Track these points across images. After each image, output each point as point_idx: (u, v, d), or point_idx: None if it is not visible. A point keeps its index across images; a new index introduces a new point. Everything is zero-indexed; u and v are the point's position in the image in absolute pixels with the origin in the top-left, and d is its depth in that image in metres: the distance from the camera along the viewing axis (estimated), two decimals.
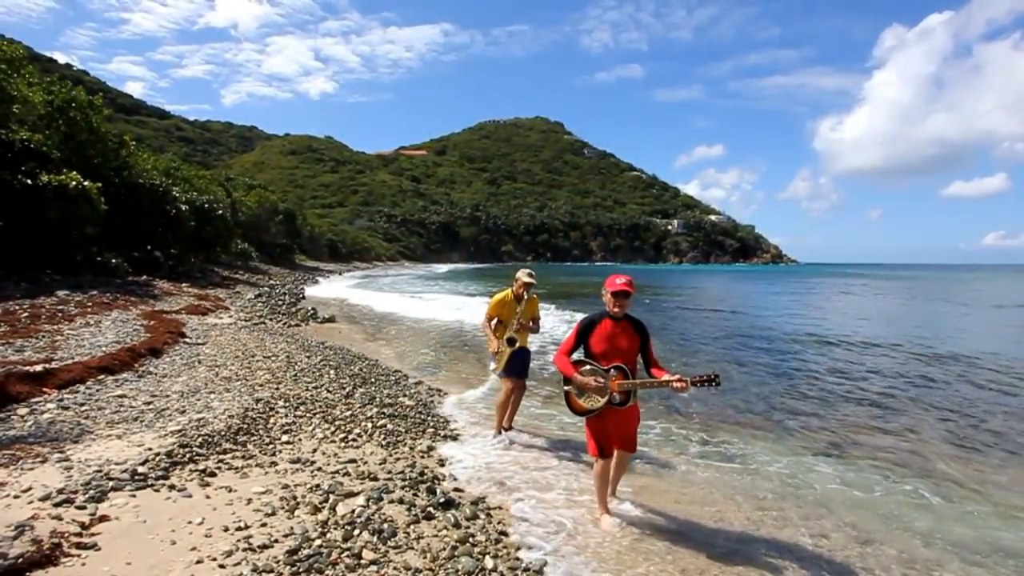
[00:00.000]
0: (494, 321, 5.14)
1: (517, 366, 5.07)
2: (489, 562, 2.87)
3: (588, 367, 3.34)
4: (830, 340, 12.91)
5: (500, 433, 5.11)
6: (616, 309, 3.30)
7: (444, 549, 2.94)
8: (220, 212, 25.63)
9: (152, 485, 3.45)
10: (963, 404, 7.10)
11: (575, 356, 3.45)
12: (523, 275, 5.06)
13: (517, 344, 5.00)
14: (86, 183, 14.13)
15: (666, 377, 3.21)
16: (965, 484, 4.52)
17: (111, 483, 3.38)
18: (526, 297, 5.04)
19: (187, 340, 8.96)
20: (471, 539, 3.09)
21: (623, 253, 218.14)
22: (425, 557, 2.87)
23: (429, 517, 3.33)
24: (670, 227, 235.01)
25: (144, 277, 17.07)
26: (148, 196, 18.83)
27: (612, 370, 3.30)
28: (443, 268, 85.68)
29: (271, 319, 13.37)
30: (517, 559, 2.94)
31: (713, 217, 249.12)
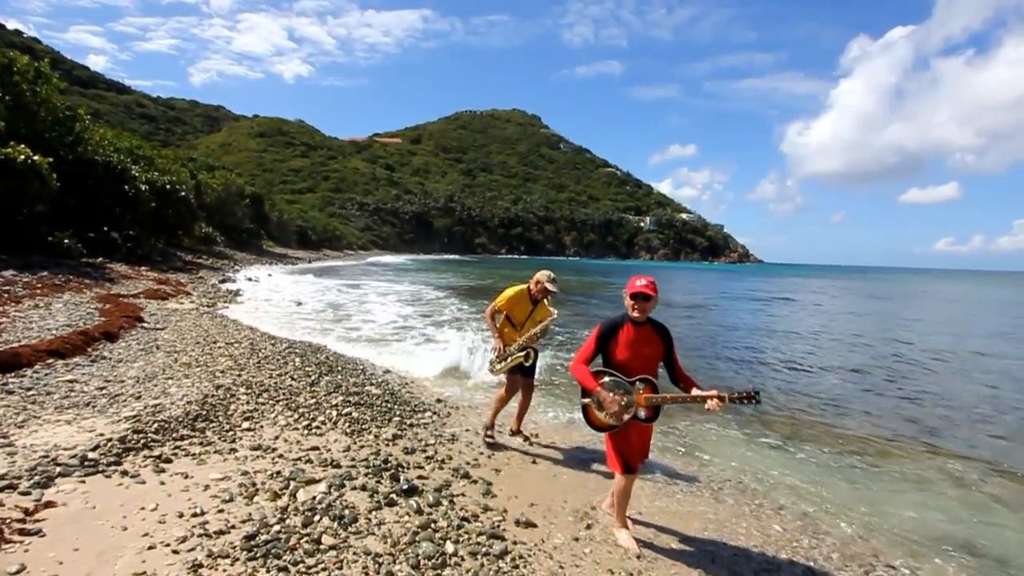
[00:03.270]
0: (500, 316, 4.62)
1: (522, 367, 4.59)
2: (450, 547, 2.90)
3: (610, 379, 3.05)
4: (791, 335, 13.39)
5: (492, 427, 4.75)
6: (637, 313, 3.00)
7: (405, 534, 2.96)
8: (183, 194, 24.62)
9: (103, 471, 3.34)
10: (913, 395, 7.50)
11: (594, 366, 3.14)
12: (544, 278, 4.44)
13: (532, 358, 4.48)
14: (36, 158, 13.38)
15: (700, 392, 2.93)
16: (911, 471, 4.79)
17: (58, 469, 3.26)
18: (544, 302, 4.52)
19: (145, 325, 8.64)
20: (432, 525, 3.12)
21: (596, 249, 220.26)
22: (385, 542, 2.88)
23: (391, 504, 3.33)
24: (642, 224, 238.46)
25: (99, 259, 16.31)
26: (105, 174, 17.94)
27: (638, 383, 3.03)
28: (387, 259, 75.16)
29: (234, 303, 13.01)
30: (478, 543, 2.98)
31: (684, 215, 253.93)
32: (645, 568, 2.97)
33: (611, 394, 2.99)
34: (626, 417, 3.01)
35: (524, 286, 4.55)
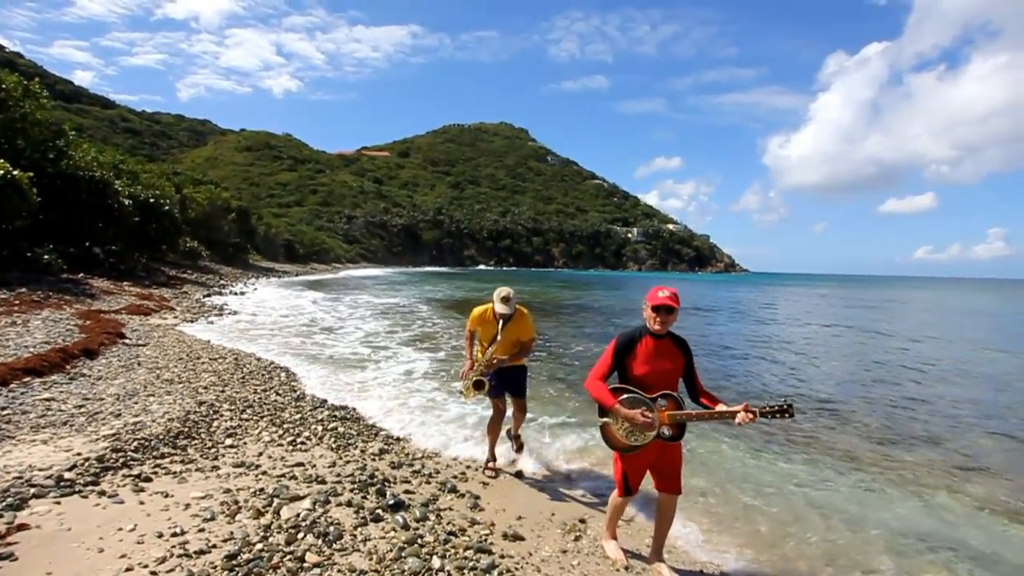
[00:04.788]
0: (475, 337, 4.36)
1: (505, 386, 4.27)
2: (436, 562, 2.86)
3: (630, 396, 2.84)
4: (778, 344, 13.53)
5: (493, 459, 4.45)
6: (658, 327, 2.84)
7: (391, 550, 2.92)
8: (167, 208, 24.37)
9: (80, 491, 3.26)
10: (895, 401, 7.59)
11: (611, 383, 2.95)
12: (496, 299, 4.07)
13: (485, 388, 4.13)
14: (15, 172, 13.19)
15: (727, 408, 2.74)
16: (895, 475, 4.83)
17: (32, 490, 3.17)
18: (501, 325, 4.06)
19: (127, 341, 8.49)
20: (419, 540, 3.07)
21: (584, 260, 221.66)
22: (371, 559, 2.83)
23: (377, 519, 3.29)
24: (630, 235, 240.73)
25: (81, 275, 16.03)
26: (87, 189, 17.71)
27: (660, 399, 2.83)
28: (375, 272, 74.65)
29: (219, 318, 12.85)
30: (465, 558, 2.94)
31: (671, 226, 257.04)
32: None
33: (633, 410, 2.79)
34: (651, 435, 2.81)
35: (489, 305, 4.20)
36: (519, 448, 4.61)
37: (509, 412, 4.50)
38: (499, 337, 4.06)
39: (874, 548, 3.54)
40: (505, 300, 4.03)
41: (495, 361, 4.13)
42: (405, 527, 3.22)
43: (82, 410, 4.88)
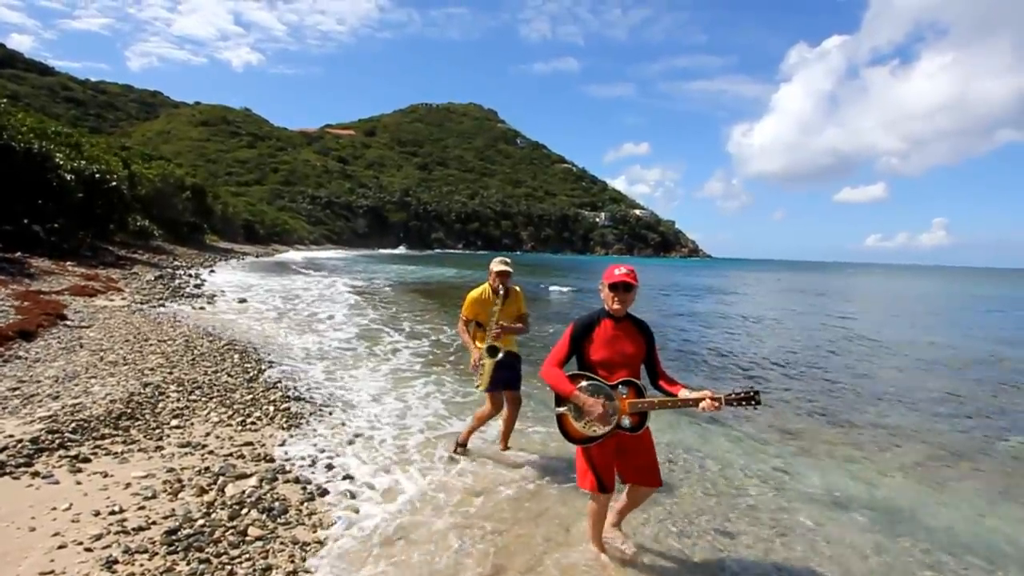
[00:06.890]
0: (471, 325, 4.20)
1: (505, 377, 4.09)
2: None
3: (588, 383, 2.66)
4: (732, 325, 14.08)
5: (464, 446, 4.32)
6: (617, 306, 2.66)
7: (335, 523, 2.98)
8: (114, 184, 23.07)
9: (11, 473, 3.17)
10: (831, 376, 8.08)
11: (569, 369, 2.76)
12: (496, 264, 4.07)
13: (501, 353, 3.97)
14: None
15: (690, 394, 2.58)
16: (824, 443, 5.18)
17: None
18: (502, 291, 4.02)
19: (68, 323, 8.12)
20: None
21: (553, 243, 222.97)
22: (315, 531, 2.89)
23: (324, 493, 3.34)
24: (598, 220, 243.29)
25: (18, 254, 15.11)
26: (23, 162, 16.58)
27: (621, 386, 2.65)
28: (338, 253, 76.27)
29: (172, 301, 12.41)
30: None
31: (638, 212, 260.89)
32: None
33: (592, 397, 2.62)
34: (609, 426, 2.63)
35: (484, 285, 4.15)
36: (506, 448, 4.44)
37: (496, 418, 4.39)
38: (497, 308, 4.01)
39: (794, 511, 3.81)
40: (507, 262, 4.09)
41: (506, 324, 4.05)
42: (352, 496, 3.28)
43: (16, 392, 4.69)
